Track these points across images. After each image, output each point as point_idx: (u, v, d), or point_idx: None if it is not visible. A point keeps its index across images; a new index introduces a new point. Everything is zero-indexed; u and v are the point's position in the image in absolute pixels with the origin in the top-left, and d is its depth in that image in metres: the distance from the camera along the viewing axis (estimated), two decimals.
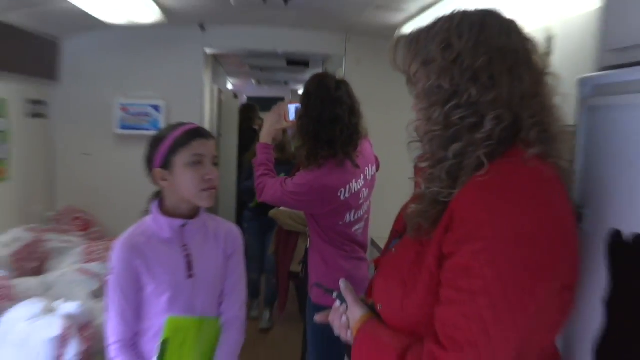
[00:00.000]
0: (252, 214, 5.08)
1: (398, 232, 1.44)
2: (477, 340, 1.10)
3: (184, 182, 1.88)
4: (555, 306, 1.20)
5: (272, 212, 3.85)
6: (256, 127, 6.50)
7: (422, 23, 1.34)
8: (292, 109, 2.72)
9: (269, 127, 2.79)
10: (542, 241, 1.13)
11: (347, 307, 1.43)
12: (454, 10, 1.29)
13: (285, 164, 3.83)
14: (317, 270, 2.74)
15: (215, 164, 1.93)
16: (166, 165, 1.90)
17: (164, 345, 1.88)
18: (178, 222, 1.94)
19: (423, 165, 1.29)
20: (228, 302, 2.05)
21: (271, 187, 2.65)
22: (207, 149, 1.91)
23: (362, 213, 2.74)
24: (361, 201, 2.71)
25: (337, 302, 1.46)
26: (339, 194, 2.59)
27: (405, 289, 1.27)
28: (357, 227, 2.74)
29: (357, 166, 2.64)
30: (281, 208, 3.72)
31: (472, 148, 1.19)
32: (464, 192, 1.17)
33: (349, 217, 2.68)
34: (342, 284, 1.46)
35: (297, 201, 2.65)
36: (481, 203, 1.15)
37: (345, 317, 1.42)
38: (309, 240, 2.87)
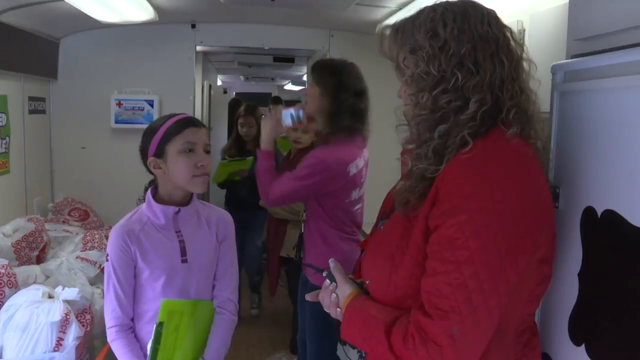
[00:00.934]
0: (231, 209, 4.96)
1: (385, 212, 1.43)
2: (461, 308, 1.10)
3: (178, 169, 1.86)
4: (534, 278, 1.20)
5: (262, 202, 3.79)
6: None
7: (402, 17, 1.34)
8: (287, 114, 2.55)
9: (269, 132, 2.62)
10: (523, 214, 1.13)
11: (336, 285, 1.42)
12: (437, 2, 1.29)
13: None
14: (318, 252, 2.66)
15: (207, 152, 1.90)
16: (160, 153, 1.87)
17: (160, 328, 1.85)
18: (172, 209, 1.91)
19: (409, 146, 1.29)
20: (220, 286, 2.03)
21: (277, 186, 2.52)
22: (199, 137, 1.88)
23: (362, 192, 2.70)
24: (362, 179, 2.65)
25: (327, 281, 1.45)
26: (348, 170, 2.51)
27: (393, 264, 1.26)
28: (357, 206, 2.69)
29: (366, 139, 2.62)
30: None
31: (458, 129, 1.19)
32: (449, 169, 1.18)
33: (354, 194, 2.62)
34: (331, 263, 1.46)
35: (309, 184, 2.52)
36: (465, 178, 1.15)
37: (335, 295, 1.41)
38: (303, 225, 2.82)
